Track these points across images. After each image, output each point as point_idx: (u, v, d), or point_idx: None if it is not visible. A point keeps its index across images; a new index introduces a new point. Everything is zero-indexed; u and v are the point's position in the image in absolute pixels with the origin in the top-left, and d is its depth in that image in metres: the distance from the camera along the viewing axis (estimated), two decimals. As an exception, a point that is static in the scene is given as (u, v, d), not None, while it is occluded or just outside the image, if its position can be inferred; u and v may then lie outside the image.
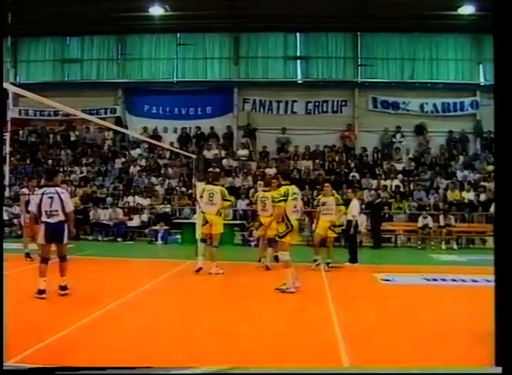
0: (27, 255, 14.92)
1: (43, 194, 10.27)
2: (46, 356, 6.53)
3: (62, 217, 10.19)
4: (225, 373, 4.91)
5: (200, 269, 13.34)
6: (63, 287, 10.12)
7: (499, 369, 4.20)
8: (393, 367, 5.61)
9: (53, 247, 10.43)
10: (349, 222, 16.26)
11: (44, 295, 9.66)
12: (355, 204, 16.35)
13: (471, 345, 7.19)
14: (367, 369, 5.75)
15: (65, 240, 10.41)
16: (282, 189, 11.50)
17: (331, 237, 15.02)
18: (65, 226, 10.30)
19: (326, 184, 16.01)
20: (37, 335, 7.31)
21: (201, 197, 14.04)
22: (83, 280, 12.36)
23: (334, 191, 15.77)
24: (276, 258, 14.20)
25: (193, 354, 6.69)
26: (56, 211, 10.14)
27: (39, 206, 10.19)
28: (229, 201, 14.74)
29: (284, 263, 11.39)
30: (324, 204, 15.18)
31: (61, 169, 27.53)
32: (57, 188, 10.39)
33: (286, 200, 11.29)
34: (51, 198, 10.14)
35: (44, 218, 10.17)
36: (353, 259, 16.03)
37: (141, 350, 6.90)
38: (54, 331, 7.48)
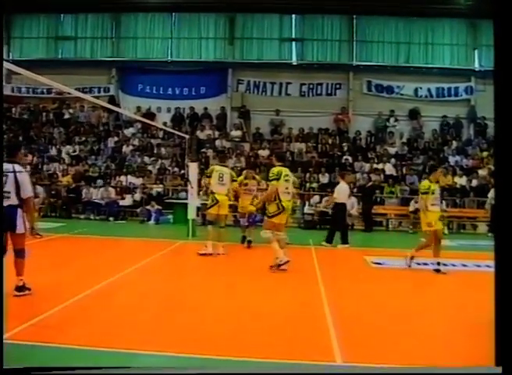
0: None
1: None
2: (38, 333, 6.53)
3: (14, 201, 8.29)
4: (225, 373, 4.92)
5: (210, 254, 13.20)
6: (19, 288, 8.33)
7: (499, 369, 4.22)
8: (393, 368, 5.61)
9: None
10: (336, 205, 16.49)
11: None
12: (342, 187, 16.52)
13: (462, 329, 7.25)
14: (360, 369, 5.75)
15: (20, 229, 8.39)
16: (276, 169, 11.62)
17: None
18: (18, 211, 8.35)
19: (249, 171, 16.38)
20: (28, 313, 7.32)
21: (209, 176, 13.91)
22: (74, 259, 12.39)
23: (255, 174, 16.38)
24: (243, 240, 14.54)
25: (177, 337, 6.69)
26: (8, 193, 8.23)
27: None
28: (236, 182, 14.86)
29: (268, 241, 11.64)
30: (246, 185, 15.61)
31: (53, 148, 27.55)
32: (15, 165, 8.46)
33: (278, 179, 11.40)
34: (6, 176, 8.25)
35: None
36: (345, 240, 16.30)
37: (129, 329, 6.93)
38: (45, 309, 7.49)
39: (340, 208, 16.46)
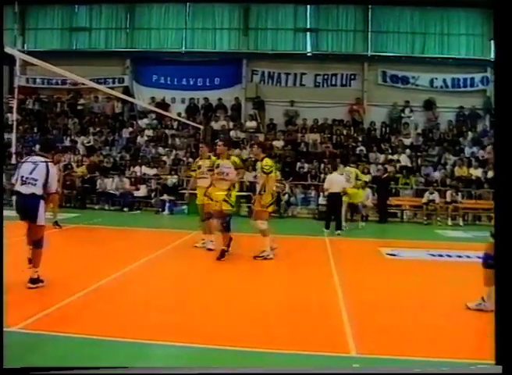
0: (55, 223, 14.95)
1: (26, 160, 8.57)
2: (51, 323, 6.57)
3: (39, 191, 8.20)
4: (225, 373, 4.90)
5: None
6: (34, 280, 8.16)
7: (499, 368, 4.20)
8: (393, 368, 5.57)
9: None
10: (329, 195, 17.19)
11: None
12: (333, 177, 17.26)
13: (476, 324, 7.21)
14: (361, 369, 5.71)
15: (41, 220, 8.30)
16: (269, 161, 11.74)
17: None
18: (41, 203, 8.24)
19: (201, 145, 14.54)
20: (42, 303, 7.35)
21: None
22: (88, 249, 12.42)
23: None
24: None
25: (188, 328, 6.67)
26: (35, 180, 8.17)
27: (18, 172, 8.37)
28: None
29: (262, 232, 11.59)
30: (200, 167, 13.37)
31: (68, 138, 27.60)
32: (48, 160, 8.45)
33: (273, 171, 11.68)
34: (36, 164, 8.27)
35: (17, 186, 8.28)
36: (339, 226, 16.92)
37: (142, 320, 6.94)
38: (59, 299, 7.52)
39: (334, 197, 16.98)
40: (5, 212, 6.82)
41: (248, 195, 22.14)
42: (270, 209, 11.92)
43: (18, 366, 4.45)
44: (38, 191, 8.21)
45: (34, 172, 8.21)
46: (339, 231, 16.70)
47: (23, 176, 8.24)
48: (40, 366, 4.59)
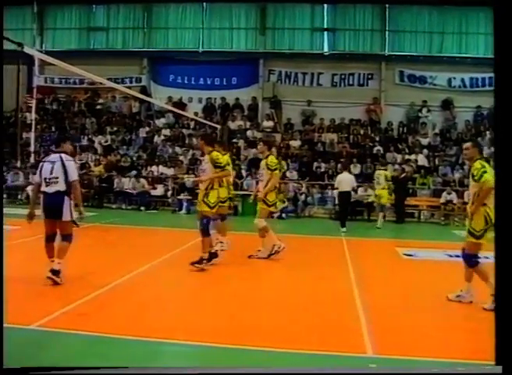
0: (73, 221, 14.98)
1: (45, 160, 8.89)
2: (69, 321, 6.59)
3: (62, 187, 8.56)
4: (225, 373, 4.89)
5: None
6: (54, 271, 8.35)
7: (499, 369, 4.18)
8: (393, 368, 5.55)
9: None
10: (340, 194, 18.06)
11: (57, 278, 8.34)
12: (343, 177, 18.02)
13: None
14: (361, 369, 5.70)
15: (66, 216, 8.59)
16: (274, 158, 11.75)
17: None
18: (66, 198, 8.58)
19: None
20: (59, 301, 7.39)
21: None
22: (105, 248, 12.48)
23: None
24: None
25: (204, 326, 6.68)
26: (56, 178, 8.56)
27: (40, 174, 8.75)
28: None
29: (263, 229, 11.56)
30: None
31: (85, 138, 27.75)
32: (62, 154, 8.80)
33: (277, 168, 11.68)
34: (53, 163, 8.66)
35: (43, 187, 8.67)
36: (343, 224, 17.67)
37: (158, 319, 6.98)
38: (76, 297, 7.56)
39: (343, 196, 17.93)
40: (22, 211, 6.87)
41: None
42: (273, 208, 11.93)
43: (18, 366, 4.45)
44: (61, 187, 8.57)
45: (54, 171, 8.59)
46: (344, 228, 17.39)
47: (45, 178, 8.63)
48: (40, 366, 4.59)
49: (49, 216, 8.64)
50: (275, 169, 11.54)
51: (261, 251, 11.55)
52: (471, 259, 8.06)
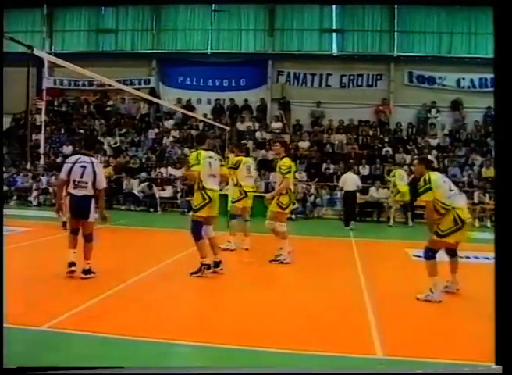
0: (64, 224, 15.04)
1: (76, 162, 9.08)
2: (79, 322, 6.61)
3: (90, 191, 9.03)
4: (225, 373, 4.89)
5: (233, 250, 12.79)
6: (86, 271, 9.04)
7: (499, 368, 4.18)
8: (393, 368, 5.55)
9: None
10: (345, 193, 19.23)
11: (73, 268, 8.98)
12: (348, 177, 19.18)
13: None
14: (362, 369, 5.70)
15: (92, 217, 9.23)
16: (287, 161, 11.52)
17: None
18: (92, 202, 9.11)
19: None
20: (70, 302, 7.41)
21: (236, 168, 12.98)
22: (114, 249, 12.51)
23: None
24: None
25: (213, 328, 6.69)
26: (86, 183, 8.98)
27: (69, 174, 9.03)
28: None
29: (282, 234, 11.40)
30: None
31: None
32: (92, 158, 9.24)
33: (290, 171, 11.42)
34: (84, 167, 8.98)
35: (70, 188, 9.07)
36: (346, 224, 18.83)
37: (168, 320, 6.99)
38: (86, 299, 7.58)
39: (348, 195, 19.04)
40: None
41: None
42: (287, 211, 11.79)
43: (17, 366, 4.47)
44: (89, 191, 9.04)
45: (84, 175, 8.99)
46: (347, 228, 18.36)
47: (75, 180, 9.01)
48: (37, 366, 4.61)
49: (76, 216, 9.16)
50: (288, 173, 11.35)
51: (283, 255, 11.30)
52: (427, 253, 8.69)
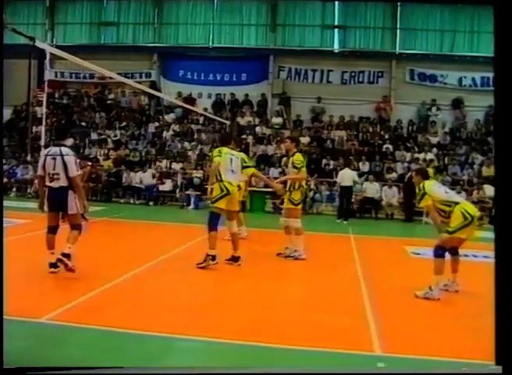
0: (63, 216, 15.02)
1: (47, 154, 8.91)
2: (77, 315, 6.61)
3: (64, 182, 8.67)
4: (225, 373, 4.89)
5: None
6: (65, 255, 8.49)
7: (499, 369, 4.17)
8: (393, 368, 5.55)
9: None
10: (341, 188, 20.11)
11: (55, 269, 8.56)
12: (345, 173, 20.17)
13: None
14: (362, 369, 5.71)
15: (72, 209, 8.76)
16: (300, 156, 11.48)
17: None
18: (70, 192, 8.71)
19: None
20: (68, 295, 7.42)
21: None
22: (113, 242, 12.52)
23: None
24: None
25: (213, 322, 6.70)
26: (58, 174, 8.68)
27: (43, 168, 8.82)
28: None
29: (296, 230, 11.36)
30: None
31: (95, 132, 27.84)
32: (62, 148, 8.92)
33: (304, 166, 11.45)
34: (54, 159, 8.74)
35: (47, 182, 8.79)
36: (339, 217, 20.02)
37: (167, 314, 7.00)
38: (84, 291, 7.58)
39: (345, 190, 19.98)
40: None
41: (273, 191, 22.17)
42: (299, 207, 11.63)
43: (17, 366, 4.46)
44: (64, 182, 8.70)
45: (55, 167, 8.72)
46: (345, 222, 19.17)
47: (49, 173, 8.75)
48: (37, 366, 4.61)
49: (54, 209, 8.84)
50: (302, 167, 11.33)
51: (298, 251, 11.29)
52: (437, 250, 8.58)
